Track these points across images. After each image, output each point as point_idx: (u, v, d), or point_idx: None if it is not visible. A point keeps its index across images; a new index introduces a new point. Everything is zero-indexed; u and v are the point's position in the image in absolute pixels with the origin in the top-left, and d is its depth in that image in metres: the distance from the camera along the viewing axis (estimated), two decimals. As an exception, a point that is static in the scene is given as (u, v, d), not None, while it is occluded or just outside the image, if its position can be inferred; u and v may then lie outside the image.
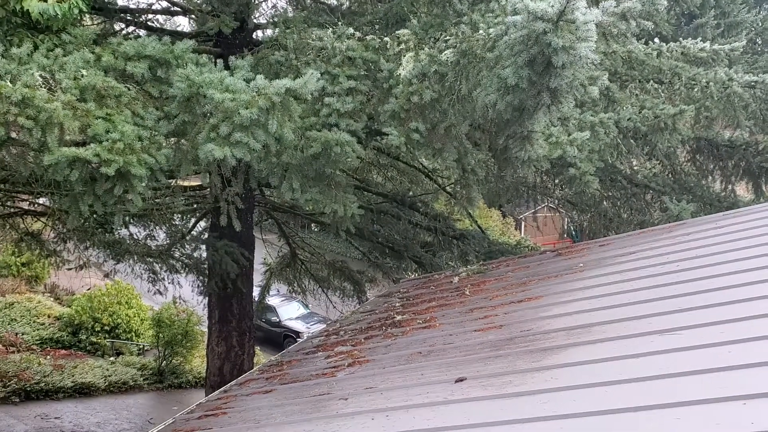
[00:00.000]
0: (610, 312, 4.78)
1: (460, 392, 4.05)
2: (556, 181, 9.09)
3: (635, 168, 10.36)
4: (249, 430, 4.61)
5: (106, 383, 17.84)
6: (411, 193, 12.83)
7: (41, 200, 12.00)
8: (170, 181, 8.61)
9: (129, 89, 5.28)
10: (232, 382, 6.74)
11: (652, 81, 7.84)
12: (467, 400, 3.88)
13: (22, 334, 20.12)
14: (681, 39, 8.16)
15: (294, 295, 19.01)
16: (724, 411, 2.83)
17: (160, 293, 13.99)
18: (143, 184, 4.99)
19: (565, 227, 27.96)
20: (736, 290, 4.42)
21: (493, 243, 11.91)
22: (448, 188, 11.22)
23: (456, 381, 4.29)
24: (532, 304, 5.74)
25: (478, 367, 4.45)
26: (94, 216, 10.30)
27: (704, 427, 2.69)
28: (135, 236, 12.73)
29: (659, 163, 10.28)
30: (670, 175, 10.37)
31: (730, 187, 10.55)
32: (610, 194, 9.82)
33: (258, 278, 13.85)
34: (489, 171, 7.70)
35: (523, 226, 32.36)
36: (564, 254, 7.58)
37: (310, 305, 24.62)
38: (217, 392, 6.43)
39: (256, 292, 13.70)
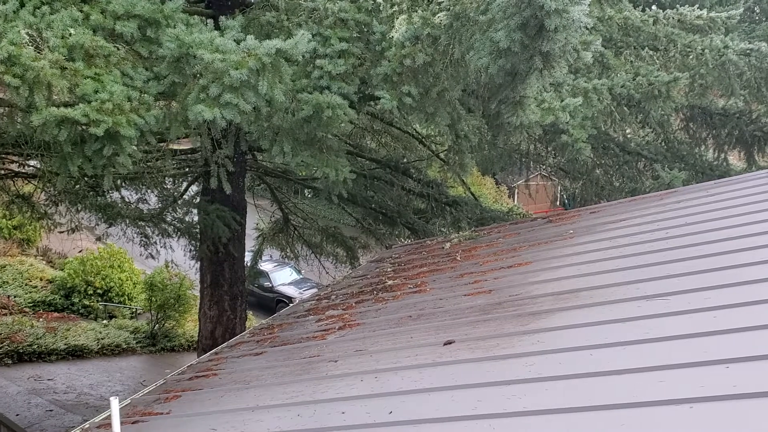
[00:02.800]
0: (599, 278, 4.81)
1: (449, 354, 4.09)
2: (549, 148, 9.07)
3: (628, 136, 10.33)
4: (239, 391, 4.65)
5: (99, 346, 17.95)
6: (405, 159, 12.78)
7: (31, 162, 11.90)
8: (161, 144, 8.55)
9: (118, 49, 5.20)
10: (223, 345, 6.79)
11: (647, 48, 7.78)
12: (455, 362, 3.92)
13: (15, 297, 20.14)
14: (678, 6, 8.08)
15: (287, 260, 19.07)
16: (707, 374, 2.87)
17: (153, 257, 13.96)
18: (133, 146, 4.94)
19: (558, 195, 28.05)
20: (725, 257, 4.46)
21: (486, 210, 11.93)
22: (441, 155, 11.19)
23: (444, 344, 4.33)
24: (521, 270, 5.77)
25: (466, 330, 4.49)
26: (85, 178, 10.24)
27: (689, 390, 2.72)
28: (127, 200, 12.67)
29: (652, 131, 10.24)
30: (662, 143, 10.35)
31: (722, 155, 10.54)
32: (603, 162, 9.81)
33: (250, 243, 13.85)
34: (482, 137, 7.67)
35: (516, 193, 32.43)
36: (554, 221, 7.60)
37: (302, 271, 24.71)
38: (208, 354, 6.48)
39: (248, 257, 13.71)
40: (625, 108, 7.55)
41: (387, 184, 11.89)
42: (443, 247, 8.02)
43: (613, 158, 9.75)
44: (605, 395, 2.91)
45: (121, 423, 4.03)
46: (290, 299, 23.51)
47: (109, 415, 4.60)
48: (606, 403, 2.82)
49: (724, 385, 2.70)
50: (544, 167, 11.58)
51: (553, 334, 3.92)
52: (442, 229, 11.12)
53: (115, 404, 3.89)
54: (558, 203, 30.97)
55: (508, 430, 2.83)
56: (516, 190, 31.88)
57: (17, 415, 11.82)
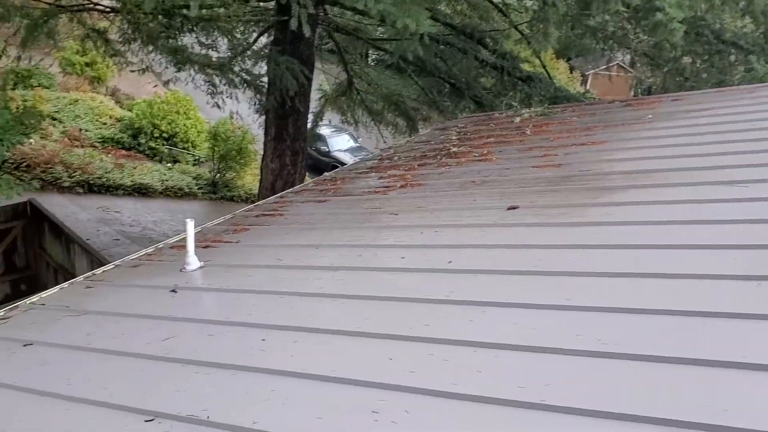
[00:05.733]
0: (675, 161, 4.67)
1: (512, 218, 4.12)
2: (638, 29, 8.55)
3: (725, 24, 9.62)
4: (303, 230, 4.83)
5: (163, 187, 18.71)
6: (481, 28, 12.25)
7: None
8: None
9: None
10: (288, 190, 6.97)
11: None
12: (518, 225, 3.95)
13: (86, 131, 20.88)
14: None
15: (345, 126, 19.05)
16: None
17: (218, 107, 14.11)
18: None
19: (633, 87, 26.87)
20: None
21: (560, 89, 11.50)
22: (521, 27, 10.69)
23: (508, 208, 4.34)
24: (594, 148, 5.64)
25: (532, 198, 4.48)
26: (160, 16, 10.24)
27: (750, 267, 2.70)
28: (197, 46, 12.65)
29: (752, 21, 9.49)
30: (761, 36, 9.61)
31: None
32: (693, 49, 9.21)
33: (312, 105, 13.82)
34: (569, 9, 7.28)
35: (588, 82, 31.17)
36: (633, 105, 7.32)
37: (359, 139, 24.77)
38: (274, 197, 6.68)
39: (309, 119, 13.74)
40: (729, -8, 6.99)
41: (460, 52, 11.50)
42: (513, 121, 7.87)
43: (705, 46, 9.14)
44: (673, 266, 2.89)
45: (194, 246, 4.26)
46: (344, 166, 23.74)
47: (182, 238, 4.86)
48: (673, 273, 2.81)
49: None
50: (627, 51, 10.97)
51: (623, 209, 3.88)
52: (514, 103, 10.84)
53: (190, 225, 4.10)
54: (632, 96, 29.68)
55: (570, 289, 2.87)
56: (589, 78, 30.62)
57: (87, 239, 12.61)
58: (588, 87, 30.99)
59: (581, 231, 3.62)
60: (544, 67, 12.41)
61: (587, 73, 30.70)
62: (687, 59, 9.51)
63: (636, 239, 3.31)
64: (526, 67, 12.26)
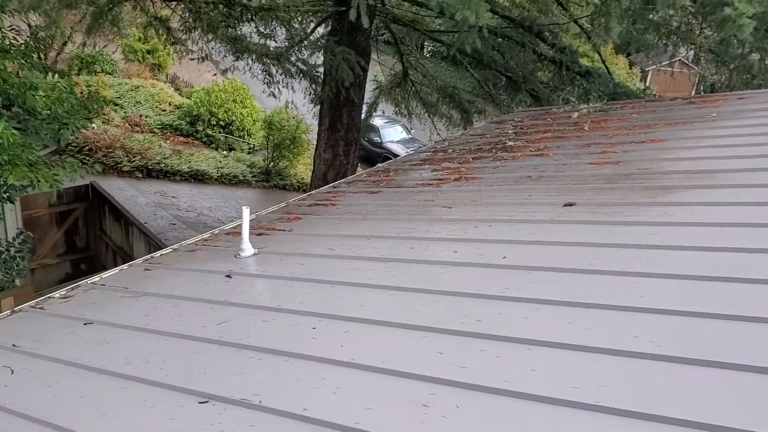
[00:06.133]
0: (739, 161, 4.52)
1: (568, 215, 4.05)
2: (704, 24, 8.26)
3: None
4: (355, 221, 4.85)
5: (219, 174, 19.08)
6: (539, 21, 12.05)
7: (170, -13, 12.16)
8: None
9: None
10: (340, 180, 7.02)
11: None
12: (574, 222, 3.89)
13: (146, 117, 21.43)
14: None
15: (399, 117, 19.04)
16: None
17: (274, 96, 14.28)
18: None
19: (694, 85, 26.04)
20: None
21: (619, 85, 11.24)
22: (581, 21, 10.47)
23: (564, 205, 4.28)
24: (654, 146, 5.51)
25: (589, 195, 4.40)
26: (221, 5, 10.41)
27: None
28: (255, 35, 12.82)
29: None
30: (836, 33, 9.17)
31: None
32: (762, 45, 8.84)
33: (366, 96, 13.85)
34: (632, 3, 7.08)
35: (649, 78, 30.35)
36: (696, 102, 7.11)
37: (412, 131, 24.71)
38: (326, 186, 6.74)
39: (364, 108, 13.77)
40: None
41: (517, 45, 11.35)
42: (570, 116, 7.73)
43: (775, 43, 8.78)
44: (734, 270, 2.81)
45: (249, 233, 4.34)
46: (396, 157, 23.75)
47: (237, 225, 4.96)
48: (734, 277, 2.73)
49: None
50: (691, 47, 10.62)
51: (683, 209, 3.78)
52: (571, 98, 10.63)
53: (246, 212, 4.17)
54: (694, 94, 28.80)
55: (626, 289, 2.81)
56: (650, 74, 29.79)
57: (145, 223, 12.97)
58: (648, 83, 30.21)
59: (639, 231, 3.54)
60: (603, 62, 12.14)
61: (647, 69, 29.88)
62: (755, 56, 9.15)
63: (695, 241, 3.22)
64: (584, 61, 12.01)
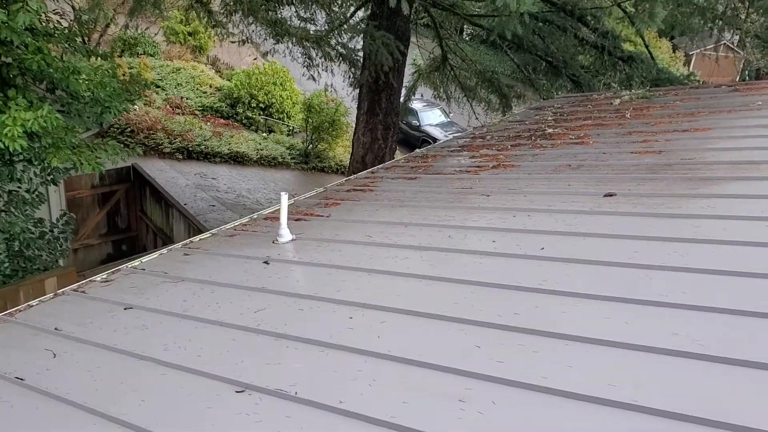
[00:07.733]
0: (788, 153, 4.40)
1: (608, 206, 4.00)
2: (751, 8, 8.00)
3: None
4: (393, 208, 4.86)
5: (258, 156, 19.24)
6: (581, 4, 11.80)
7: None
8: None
9: None
10: (379, 166, 7.03)
11: None
12: (614, 214, 3.83)
13: (187, 99, 21.68)
14: None
15: (437, 101, 18.94)
16: None
17: (314, 79, 14.31)
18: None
19: (739, 71, 25.25)
20: None
21: (663, 71, 10.97)
22: (624, 5, 10.23)
23: (604, 195, 4.22)
24: (697, 135, 5.38)
25: (630, 186, 4.33)
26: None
27: None
28: (296, 19, 12.84)
29: None
30: None
31: None
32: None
33: (405, 80, 13.79)
34: (678, -14, 6.90)
35: (692, 62, 29.53)
36: (742, 90, 6.91)
37: (450, 114, 24.55)
38: (365, 172, 6.75)
39: (402, 92, 13.71)
40: None
41: (558, 29, 11.15)
42: (612, 103, 7.59)
43: (828, 28, 8.46)
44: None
45: (287, 218, 4.38)
46: (435, 140, 23.67)
47: (275, 210, 5.01)
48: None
49: None
50: (737, 32, 10.27)
51: (727, 201, 3.69)
52: (613, 84, 10.42)
53: (284, 198, 4.21)
54: (738, 80, 27.99)
55: (667, 284, 2.77)
56: (693, 58, 28.98)
57: (185, 204, 13.18)
58: (692, 68, 29.39)
59: (681, 223, 3.47)
60: (646, 46, 11.85)
61: (691, 53, 29.05)
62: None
63: (740, 235, 3.14)
64: (627, 46, 11.75)
